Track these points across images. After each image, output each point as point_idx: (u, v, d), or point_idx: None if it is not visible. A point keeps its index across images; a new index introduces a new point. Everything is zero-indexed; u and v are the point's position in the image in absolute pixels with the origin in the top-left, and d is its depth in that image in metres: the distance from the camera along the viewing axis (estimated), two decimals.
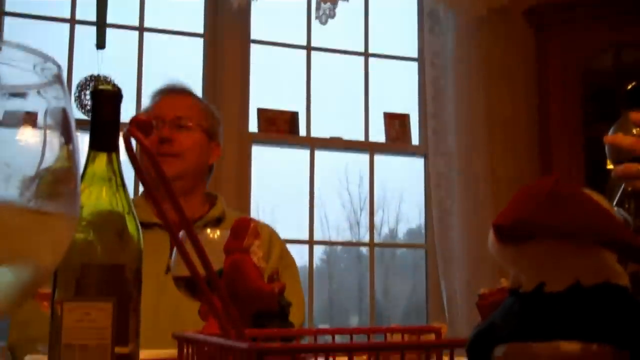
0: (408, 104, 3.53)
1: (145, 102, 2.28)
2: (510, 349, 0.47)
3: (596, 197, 0.47)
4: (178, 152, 2.08)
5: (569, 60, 3.33)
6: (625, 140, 1.26)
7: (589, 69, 3.40)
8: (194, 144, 2.11)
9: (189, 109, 2.15)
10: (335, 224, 3.79)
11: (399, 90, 3.62)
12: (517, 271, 0.48)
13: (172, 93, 2.21)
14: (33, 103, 0.53)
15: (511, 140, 3.35)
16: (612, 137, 1.30)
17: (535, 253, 0.47)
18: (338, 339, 0.85)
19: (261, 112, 3.28)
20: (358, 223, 4.04)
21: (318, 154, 3.39)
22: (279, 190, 3.49)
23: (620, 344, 0.44)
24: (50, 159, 0.54)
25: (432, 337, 0.80)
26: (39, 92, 0.53)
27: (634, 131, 1.30)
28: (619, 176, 1.30)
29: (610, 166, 1.41)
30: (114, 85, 0.96)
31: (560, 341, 0.45)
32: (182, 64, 3.25)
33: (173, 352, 1.22)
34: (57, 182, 0.53)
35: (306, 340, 1.04)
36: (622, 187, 1.34)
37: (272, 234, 2.13)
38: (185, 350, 0.68)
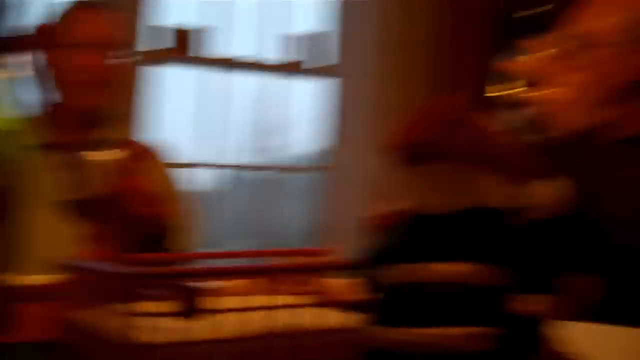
0: (319, 24, 3.49)
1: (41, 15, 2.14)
2: (401, 269, 0.47)
3: (496, 123, 0.47)
4: (101, 81, 1.99)
5: None
6: (521, 65, 1.29)
7: None
8: (110, 69, 2.02)
9: (110, 30, 2.05)
10: (236, 146, 3.76)
11: (310, 10, 3.56)
12: (412, 193, 0.48)
13: (91, 10, 2.07)
14: None
15: (420, 66, 3.36)
16: (509, 62, 1.32)
17: (433, 175, 0.47)
18: (231, 262, 0.84)
19: (153, 30, 3.17)
20: (257, 147, 4.02)
21: (220, 75, 3.32)
22: (171, 111, 3.41)
23: (503, 263, 0.45)
24: None
25: (321, 259, 0.80)
26: None
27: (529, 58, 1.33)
28: (517, 101, 1.34)
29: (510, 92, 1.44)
30: None
31: (451, 262, 0.45)
32: None
33: (54, 277, 1.18)
34: None
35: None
36: (521, 112, 1.39)
37: (165, 160, 2.08)
38: (65, 276, 0.65)
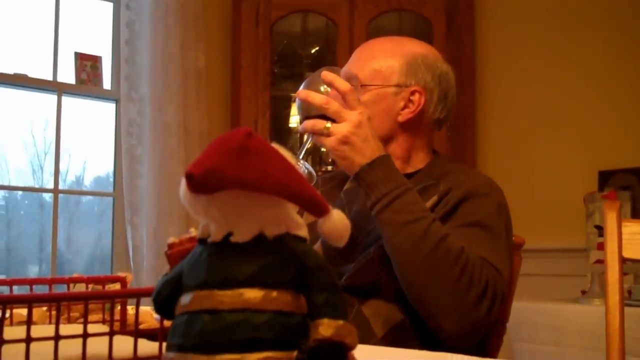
0: (102, 46, 3.40)
1: None
2: (195, 296, 0.48)
3: (282, 151, 0.50)
4: None
5: (261, 18, 3.44)
6: (316, 97, 1.34)
7: (278, 29, 3.55)
8: None
9: None
10: (16, 168, 3.55)
11: (93, 31, 3.46)
12: (207, 221, 0.49)
13: None
14: None
15: (204, 92, 3.39)
16: (305, 92, 1.37)
17: (224, 203, 0.48)
18: (17, 290, 0.81)
19: None
20: (42, 168, 3.82)
21: (1, 90, 3.14)
22: None
23: (297, 288, 0.48)
24: None
25: (118, 286, 0.79)
26: None
27: (322, 89, 1.39)
28: (307, 131, 1.38)
29: (296, 123, 1.49)
30: None
31: (243, 289, 0.47)
32: None
33: None
34: None
35: None
36: (308, 141, 1.43)
37: None
38: None
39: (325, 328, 0.47)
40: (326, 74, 1.37)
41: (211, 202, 0.48)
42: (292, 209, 0.49)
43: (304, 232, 0.50)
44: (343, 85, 1.35)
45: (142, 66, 3.26)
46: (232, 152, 0.47)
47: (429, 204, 1.36)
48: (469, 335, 1.27)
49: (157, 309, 0.52)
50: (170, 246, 0.56)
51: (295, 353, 0.46)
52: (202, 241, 0.50)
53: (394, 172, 1.33)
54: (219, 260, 0.48)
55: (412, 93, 1.48)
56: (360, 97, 1.40)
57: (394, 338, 1.32)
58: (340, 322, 0.47)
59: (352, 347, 0.47)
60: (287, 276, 0.48)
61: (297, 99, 1.43)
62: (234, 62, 3.53)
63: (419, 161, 1.52)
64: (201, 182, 0.47)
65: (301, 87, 1.42)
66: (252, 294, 0.46)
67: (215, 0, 3.49)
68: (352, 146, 1.33)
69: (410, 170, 1.50)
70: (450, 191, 1.40)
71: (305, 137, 1.45)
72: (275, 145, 0.50)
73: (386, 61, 1.50)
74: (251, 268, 0.47)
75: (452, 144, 3.38)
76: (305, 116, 1.42)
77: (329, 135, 1.34)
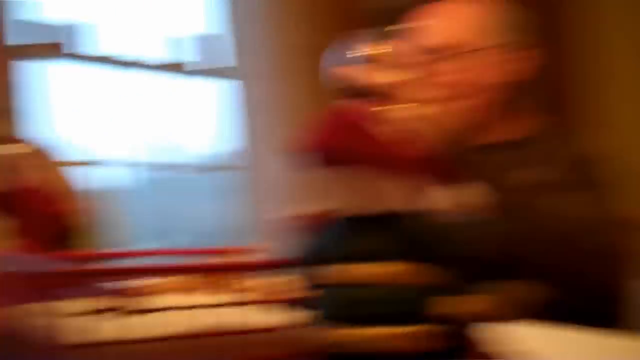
0: (218, 25, 3.46)
1: None
2: (331, 270, 0.48)
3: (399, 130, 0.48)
4: None
5: None
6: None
7: None
8: None
9: None
10: (144, 146, 3.69)
11: (207, 10, 3.53)
12: (335, 196, 0.49)
13: None
14: None
15: (297, 68, 3.38)
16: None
17: (350, 179, 0.48)
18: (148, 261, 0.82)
19: (26, 25, 3.07)
20: (163, 146, 3.96)
21: (120, 74, 3.25)
22: (84, 109, 3.32)
23: (414, 261, 0.46)
24: None
25: (253, 258, 0.79)
26: None
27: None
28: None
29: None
30: None
31: (371, 262, 0.46)
32: None
33: None
34: None
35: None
36: None
37: (56, 155, 2.02)
38: None
39: (456, 303, 0.46)
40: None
41: (339, 178, 0.48)
42: (419, 184, 0.48)
43: (430, 206, 0.48)
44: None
45: (261, 43, 3.29)
46: (359, 127, 0.46)
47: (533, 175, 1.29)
48: None
49: (292, 281, 0.52)
50: (302, 219, 0.56)
51: (422, 327, 0.45)
52: (331, 216, 0.50)
53: None
54: (347, 235, 0.49)
55: (513, 50, 1.38)
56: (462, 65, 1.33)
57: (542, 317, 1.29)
58: (470, 296, 0.46)
59: (474, 321, 0.46)
60: (414, 250, 0.47)
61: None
62: (329, 31, 3.50)
63: (521, 128, 1.42)
64: (328, 158, 0.47)
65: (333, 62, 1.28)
66: (370, 269, 0.46)
67: None
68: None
69: (511, 137, 1.42)
70: (555, 159, 1.32)
71: None
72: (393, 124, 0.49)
73: (473, 21, 1.41)
74: (378, 242, 0.47)
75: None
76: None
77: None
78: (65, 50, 3.06)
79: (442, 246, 0.48)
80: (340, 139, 0.47)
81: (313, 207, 0.63)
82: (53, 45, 3.05)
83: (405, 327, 0.45)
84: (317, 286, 0.48)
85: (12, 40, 2.95)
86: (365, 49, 1.25)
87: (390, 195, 0.48)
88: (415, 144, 0.49)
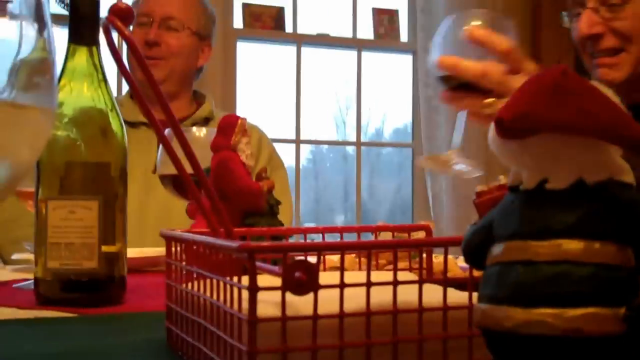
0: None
1: None
2: (508, 247, 0.45)
3: (604, 90, 0.45)
4: (164, 56, 2.01)
5: None
6: (469, 67, 1.11)
7: None
8: (183, 47, 2.04)
9: (180, 7, 2.05)
10: (321, 123, 3.77)
11: None
12: (518, 167, 0.46)
13: None
14: None
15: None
16: (451, 61, 1.13)
17: (538, 148, 0.45)
18: (327, 238, 0.84)
19: (246, 7, 3.19)
20: (344, 122, 4.01)
21: (305, 50, 3.33)
22: (265, 88, 3.44)
23: (624, 241, 0.43)
24: (25, 49, 0.51)
25: (422, 235, 0.79)
26: None
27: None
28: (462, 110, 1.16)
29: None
30: None
31: (561, 239, 0.43)
32: None
33: (161, 250, 1.21)
34: (33, 73, 0.50)
35: (294, 240, 1.03)
36: (462, 126, 1.23)
37: (261, 136, 2.11)
38: (173, 248, 0.67)
39: None
40: (474, 33, 1.09)
41: (523, 148, 0.45)
42: (616, 152, 0.45)
43: (629, 178, 0.45)
44: (501, 42, 1.08)
45: (438, 15, 3.25)
46: (546, 92, 0.43)
47: None
48: None
49: (467, 259, 0.50)
50: (479, 194, 0.54)
51: (621, 310, 0.42)
52: (513, 189, 0.47)
53: None
54: (533, 209, 0.45)
55: None
56: None
57: None
58: None
59: None
60: (610, 226, 0.43)
61: (435, 65, 1.14)
62: (533, 1, 3.38)
63: None
64: (512, 127, 0.44)
65: (436, 44, 1.17)
66: (572, 245, 0.43)
67: None
68: None
69: None
70: None
71: (459, 119, 1.22)
72: (595, 84, 0.45)
73: None
74: (570, 217, 0.43)
75: None
76: (449, 87, 1.17)
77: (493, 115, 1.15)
78: (278, 31, 3.19)
79: None
80: (530, 104, 0.44)
81: (503, 180, 0.61)
82: (272, 27, 3.20)
83: (612, 309, 0.43)
84: (496, 264, 0.47)
85: (235, 23, 3.12)
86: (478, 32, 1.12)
87: (587, 164, 0.45)
88: (624, 110, 0.44)
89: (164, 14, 2.00)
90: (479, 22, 1.11)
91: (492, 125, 0.45)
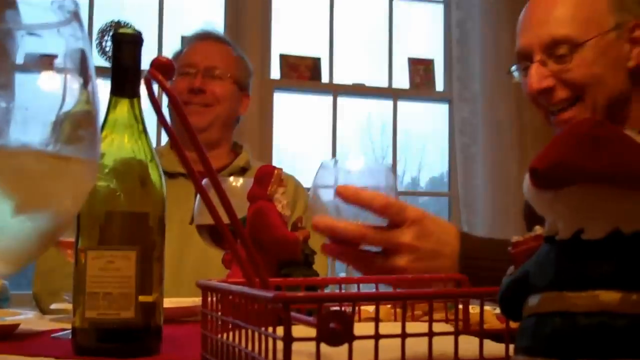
0: (433, 48, 3.48)
1: (167, 49, 2.25)
2: (545, 298, 0.45)
3: (638, 139, 0.45)
4: (209, 103, 2.06)
5: None
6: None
7: None
8: (226, 95, 2.09)
9: (222, 58, 2.12)
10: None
11: (424, 34, 3.55)
12: (553, 217, 0.46)
13: (206, 40, 2.16)
14: (51, 43, 0.51)
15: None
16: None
17: (573, 198, 0.44)
18: (363, 288, 0.84)
19: (283, 58, 3.24)
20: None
21: (341, 100, 3.36)
22: (302, 138, 3.47)
23: None
24: (70, 102, 0.52)
25: (459, 285, 0.78)
26: (58, 31, 0.52)
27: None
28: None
29: None
30: (135, 29, 0.94)
31: (598, 290, 0.43)
32: (203, 9, 3.21)
33: (197, 300, 1.22)
34: (77, 125, 0.52)
35: (329, 290, 1.03)
36: None
37: (297, 185, 2.12)
38: (209, 298, 0.67)
39: None
40: (344, 193, 1.03)
41: (558, 198, 0.45)
42: None
43: None
44: (375, 200, 1.02)
45: (474, 65, 3.26)
46: (581, 142, 0.43)
47: None
48: None
49: (503, 310, 0.50)
50: (515, 245, 0.54)
51: None
52: (549, 239, 0.47)
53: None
54: (569, 260, 0.45)
55: (633, 29, 1.27)
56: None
57: None
58: None
59: None
60: None
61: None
62: None
63: None
64: (547, 177, 0.44)
65: (316, 191, 1.09)
66: (610, 296, 0.42)
67: None
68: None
69: None
70: None
71: None
72: (629, 133, 0.45)
73: (587, 5, 1.28)
74: (607, 267, 0.43)
75: None
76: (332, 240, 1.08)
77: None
78: (315, 81, 3.24)
79: None
80: (565, 153, 0.44)
81: (538, 230, 0.61)
82: (309, 77, 3.25)
83: None
84: (531, 315, 0.46)
85: (272, 74, 3.18)
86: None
87: (623, 214, 0.44)
88: None
89: (208, 64, 2.05)
90: (354, 170, 1.08)
91: (527, 176, 0.46)
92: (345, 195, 1.01)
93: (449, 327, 0.67)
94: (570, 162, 0.43)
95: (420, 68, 3.42)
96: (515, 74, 1.38)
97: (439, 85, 3.44)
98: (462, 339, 0.54)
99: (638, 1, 1.30)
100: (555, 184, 0.44)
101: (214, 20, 3.14)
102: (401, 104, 3.43)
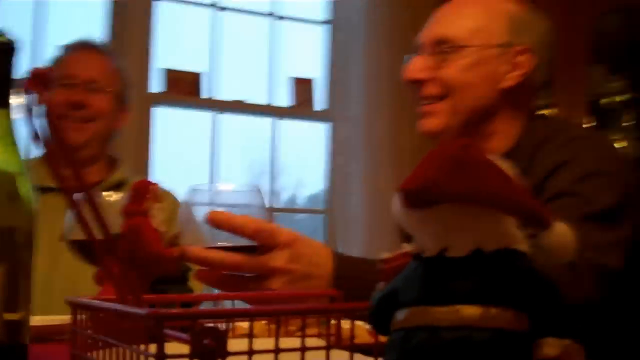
0: (315, 68, 3.52)
1: (44, 58, 2.17)
2: (411, 313, 0.47)
3: (501, 163, 0.47)
4: (89, 118, 2.00)
5: None
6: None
7: None
8: (106, 109, 2.03)
9: (104, 70, 2.05)
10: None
11: (306, 54, 3.60)
12: (421, 236, 0.48)
13: (86, 50, 2.09)
14: None
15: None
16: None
17: (439, 218, 0.47)
18: (238, 304, 0.84)
19: (164, 72, 3.20)
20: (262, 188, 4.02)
21: (221, 117, 3.35)
22: (182, 154, 3.43)
23: (519, 307, 0.45)
24: None
25: (333, 301, 0.80)
26: None
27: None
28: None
29: None
30: (7, 37, 0.91)
31: (460, 305, 0.45)
32: (83, 19, 3.13)
33: (66, 318, 1.18)
34: None
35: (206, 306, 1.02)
36: None
37: (176, 201, 2.09)
38: (78, 316, 0.66)
39: (551, 347, 0.44)
40: (215, 218, 1.02)
41: (426, 217, 0.47)
42: (511, 222, 0.47)
43: (524, 247, 0.47)
44: (246, 224, 1.03)
45: (354, 86, 3.33)
46: (447, 164, 0.46)
47: None
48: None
49: (373, 325, 0.51)
50: (385, 262, 0.56)
51: None
52: (416, 256, 0.49)
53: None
54: (434, 276, 0.47)
55: (518, 53, 1.32)
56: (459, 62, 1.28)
57: None
58: (567, 340, 0.44)
59: None
60: (506, 293, 0.45)
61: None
62: None
63: (514, 135, 1.34)
64: (416, 197, 0.46)
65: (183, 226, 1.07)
66: (470, 311, 0.45)
67: (427, 16, 3.49)
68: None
69: (504, 149, 1.33)
70: (546, 181, 1.22)
71: None
72: (493, 157, 0.48)
73: (483, 18, 1.33)
74: (468, 284, 0.45)
75: None
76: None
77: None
78: (193, 96, 3.20)
79: (539, 287, 0.46)
80: (432, 175, 0.46)
81: (406, 247, 0.63)
82: (190, 92, 3.20)
83: None
84: (397, 330, 0.48)
85: (153, 87, 3.11)
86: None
87: (485, 233, 0.47)
88: (519, 182, 0.46)
89: (89, 77, 1.99)
90: (224, 190, 1.11)
91: (397, 196, 0.47)
92: (217, 221, 1.00)
93: (321, 342, 0.68)
94: (436, 183, 0.45)
95: (302, 87, 3.46)
96: (407, 62, 1.42)
97: (320, 105, 3.49)
98: (334, 353, 0.55)
99: (535, 30, 1.35)
100: (422, 204, 0.47)
101: (95, 29, 3.06)
102: (282, 122, 3.45)
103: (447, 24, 1.36)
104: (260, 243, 1.00)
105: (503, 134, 1.34)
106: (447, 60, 1.31)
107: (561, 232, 0.47)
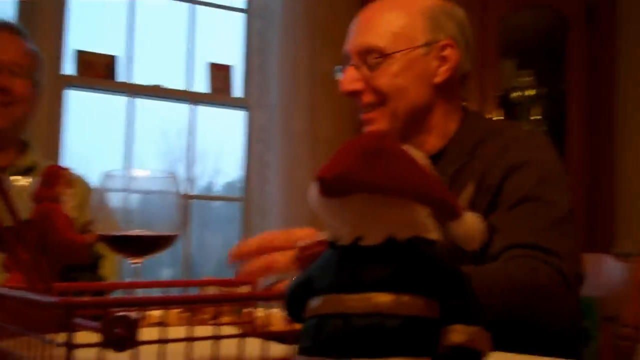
0: (233, 55, 3.50)
1: None
2: (325, 300, 0.48)
3: (415, 154, 0.48)
4: (10, 102, 1.93)
5: None
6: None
7: None
8: (27, 93, 1.97)
9: (24, 53, 1.99)
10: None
11: (225, 40, 3.56)
12: (336, 224, 0.49)
13: (5, 32, 2.02)
14: None
15: (332, 100, 3.41)
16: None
17: (354, 207, 0.47)
18: (152, 292, 0.83)
19: (78, 54, 3.12)
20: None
21: (137, 102, 3.29)
22: (96, 138, 3.35)
23: (430, 294, 0.46)
24: None
25: (248, 289, 0.80)
26: None
27: None
28: None
29: None
30: None
31: (372, 293, 0.46)
32: None
33: None
34: None
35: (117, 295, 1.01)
36: None
37: (88, 187, 2.04)
38: None
39: (458, 334, 0.45)
40: (237, 253, 1.03)
41: (341, 206, 0.48)
42: (424, 212, 0.48)
43: (435, 236, 0.48)
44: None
45: (272, 74, 3.32)
46: (363, 155, 0.46)
47: (466, 195, 1.26)
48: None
49: (288, 312, 0.52)
50: (301, 249, 0.56)
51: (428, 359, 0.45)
52: (332, 245, 0.50)
53: None
54: (348, 264, 0.48)
55: (443, 48, 1.37)
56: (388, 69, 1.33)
57: None
58: (474, 328, 0.46)
59: (485, 354, 0.46)
60: (418, 281, 0.46)
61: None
62: None
63: (451, 128, 1.40)
64: (332, 186, 0.47)
65: None
66: (382, 298, 0.45)
67: (344, 6, 3.50)
68: None
69: (442, 143, 1.39)
70: (489, 172, 1.28)
71: None
72: (407, 148, 0.49)
73: (404, 21, 1.37)
74: (381, 272, 0.46)
75: (589, 146, 3.24)
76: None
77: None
78: (109, 80, 3.12)
79: (448, 274, 0.47)
80: (348, 165, 0.46)
81: (319, 236, 0.63)
82: (105, 75, 3.11)
83: (420, 359, 0.45)
84: (310, 317, 0.48)
85: (66, 69, 3.01)
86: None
87: (398, 222, 0.48)
88: (432, 173, 0.47)
89: (10, 60, 1.93)
90: (139, 177, 1.09)
91: (313, 185, 0.48)
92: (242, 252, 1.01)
93: (236, 330, 0.68)
94: (351, 172, 0.46)
95: (220, 73, 3.43)
96: (339, 74, 1.44)
97: (238, 92, 3.47)
98: (249, 341, 0.55)
99: (453, 21, 1.38)
100: (338, 192, 0.47)
101: (4, 8, 2.95)
102: (199, 109, 3.41)
103: (370, 33, 1.39)
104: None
105: (441, 129, 1.39)
106: (377, 69, 1.35)
107: (471, 221, 0.48)
